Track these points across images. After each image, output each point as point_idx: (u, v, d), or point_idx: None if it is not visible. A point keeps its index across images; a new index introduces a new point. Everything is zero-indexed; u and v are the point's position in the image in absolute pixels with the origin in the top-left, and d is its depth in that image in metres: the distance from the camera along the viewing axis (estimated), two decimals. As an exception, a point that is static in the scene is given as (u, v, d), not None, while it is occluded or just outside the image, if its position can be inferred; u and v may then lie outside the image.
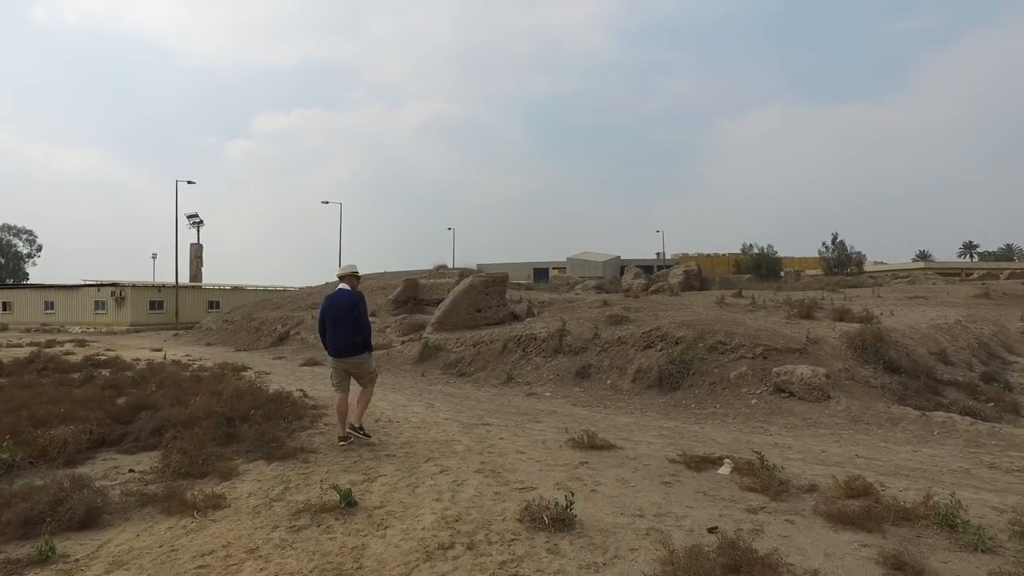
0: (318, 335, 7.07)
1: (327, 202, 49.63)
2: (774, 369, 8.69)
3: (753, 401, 8.39)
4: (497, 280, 18.50)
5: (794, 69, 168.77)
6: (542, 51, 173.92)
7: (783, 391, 8.42)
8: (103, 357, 15.87)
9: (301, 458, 5.97)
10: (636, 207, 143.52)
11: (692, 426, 7.68)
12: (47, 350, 21.52)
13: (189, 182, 38.89)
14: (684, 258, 69.22)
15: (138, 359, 17.02)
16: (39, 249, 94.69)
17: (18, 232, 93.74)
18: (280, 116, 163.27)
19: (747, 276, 45.07)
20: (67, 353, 19.27)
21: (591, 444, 6.40)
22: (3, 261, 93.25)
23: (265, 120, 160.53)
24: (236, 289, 45.49)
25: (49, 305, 40.12)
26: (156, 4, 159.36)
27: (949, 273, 51.00)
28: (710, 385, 9.05)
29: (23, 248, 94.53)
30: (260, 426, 6.70)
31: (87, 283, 39.40)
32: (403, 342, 16.90)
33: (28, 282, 63.43)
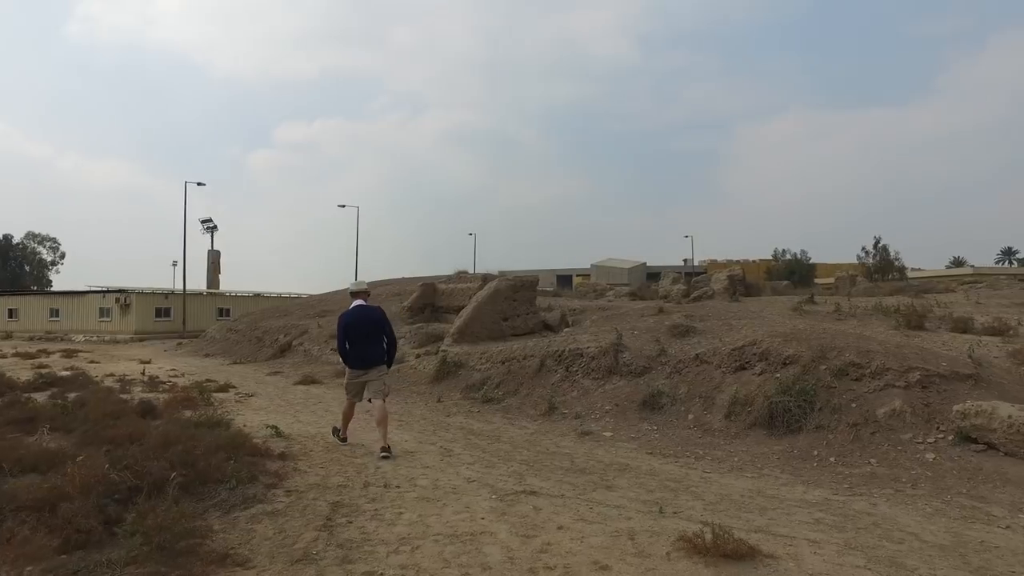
0: (339, 354, 7.07)
1: (344, 206, 47.31)
2: (955, 408, 5.87)
3: (930, 456, 5.59)
4: (526, 285, 15.89)
5: (817, 74, 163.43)
6: (564, 59, 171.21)
7: (974, 440, 5.62)
8: (65, 373, 13.51)
9: (214, 582, 3.36)
10: (658, 214, 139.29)
11: (854, 500, 4.91)
12: (29, 361, 19.41)
13: (199, 183, 36.96)
14: (713, 264, 65.78)
15: (112, 374, 14.69)
16: (62, 256, 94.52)
17: (42, 240, 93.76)
18: (302, 126, 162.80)
19: (784, 282, 41.96)
20: (40, 366, 17.04)
21: (719, 550, 3.70)
22: (28, 268, 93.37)
23: (288, 130, 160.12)
24: (258, 296, 43.42)
25: (54, 312, 38.37)
26: (183, 19, 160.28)
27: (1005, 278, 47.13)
28: (851, 427, 6.26)
29: (47, 256, 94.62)
30: (170, 509, 4.10)
31: (92, 289, 37.59)
32: (418, 356, 14.33)
33: (35, 289, 62.29)
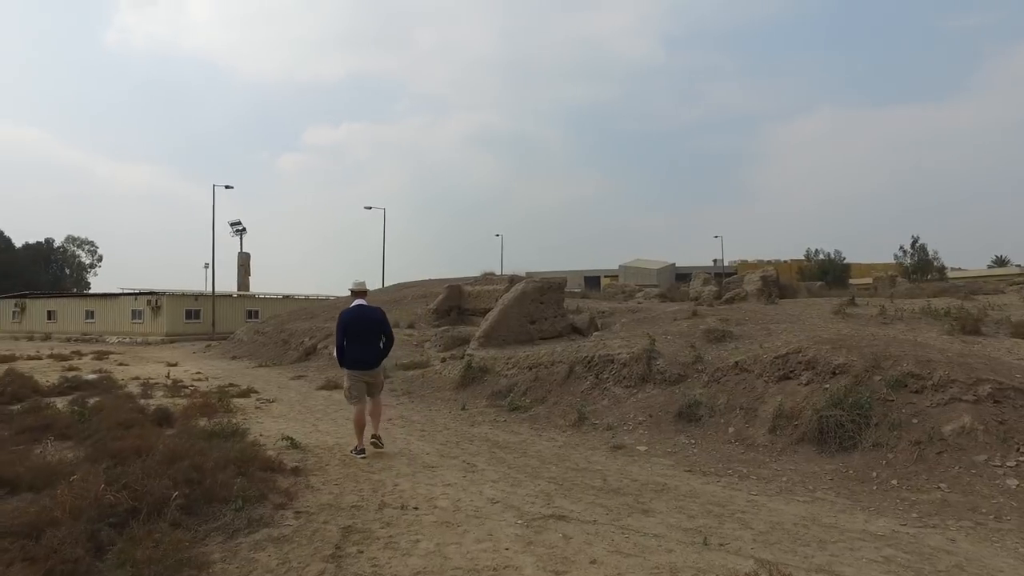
0: (335, 350, 7.04)
1: (370, 207, 47.46)
2: (1036, 426, 5.26)
3: (1012, 483, 4.99)
4: (554, 286, 15.44)
5: (846, 71, 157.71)
6: (586, 59, 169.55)
7: (1059, 464, 5.00)
8: (91, 377, 13.48)
9: (203, 627, 3.00)
10: (684, 214, 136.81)
11: (928, 533, 4.36)
12: (62, 363, 19.63)
13: (227, 187, 37.29)
14: (744, 265, 64.19)
15: (137, 377, 14.65)
16: (100, 260, 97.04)
17: (81, 243, 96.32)
18: (329, 130, 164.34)
19: (818, 283, 40.72)
20: (70, 369, 17.16)
21: (778, 595, 3.22)
22: (68, 271, 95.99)
23: (315, 134, 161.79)
24: (287, 298, 43.67)
25: (90, 314, 39.13)
26: (212, 26, 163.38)
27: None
28: (913, 446, 5.68)
29: (85, 259, 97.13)
30: (165, 536, 3.77)
31: (125, 292, 38.22)
32: (443, 360, 13.99)
33: (76, 291, 63.66)
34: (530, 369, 10.69)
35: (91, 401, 9.64)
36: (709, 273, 37.43)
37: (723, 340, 10.27)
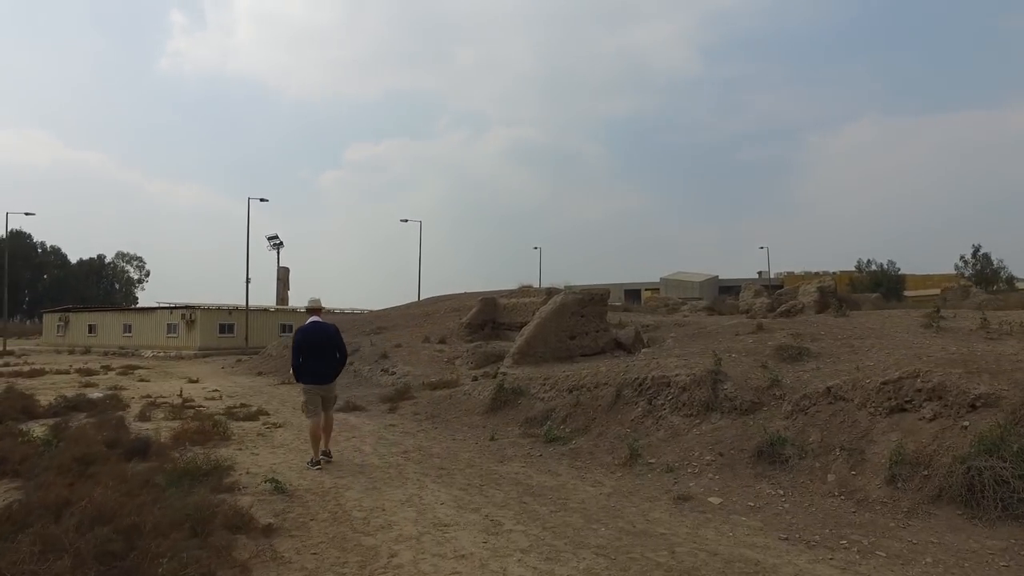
0: (292, 368, 7.24)
1: (406, 220, 46.67)
2: None
3: None
4: (596, 299, 13.97)
5: (891, 78, 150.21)
6: (624, 73, 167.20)
7: None
8: (96, 395, 12.54)
9: None
10: (725, 226, 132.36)
11: None
12: (85, 378, 19.03)
13: (262, 199, 37.04)
14: (791, 277, 61.34)
15: (148, 395, 13.71)
16: (148, 275, 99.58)
17: (130, 259, 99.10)
18: (370, 146, 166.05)
19: (875, 295, 38.12)
20: (88, 385, 16.41)
21: None
22: (117, 286, 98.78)
23: (355, 151, 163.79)
24: (326, 313, 43.05)
25: (127, 328, 39.16)
26: (257, 49, 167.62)
27: None
28: (1120, 516, 4.01)
29: (134, 274, 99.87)
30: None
31: (161, 306, 38.17)
32: (475, 378, 12.65)
33: (125, 305, 64.83)
34: (570, 392, 9.23)
35: (75, 425, 8.59)
36: (759, 286, 35.28)
37: (799, 359, 8.65)
